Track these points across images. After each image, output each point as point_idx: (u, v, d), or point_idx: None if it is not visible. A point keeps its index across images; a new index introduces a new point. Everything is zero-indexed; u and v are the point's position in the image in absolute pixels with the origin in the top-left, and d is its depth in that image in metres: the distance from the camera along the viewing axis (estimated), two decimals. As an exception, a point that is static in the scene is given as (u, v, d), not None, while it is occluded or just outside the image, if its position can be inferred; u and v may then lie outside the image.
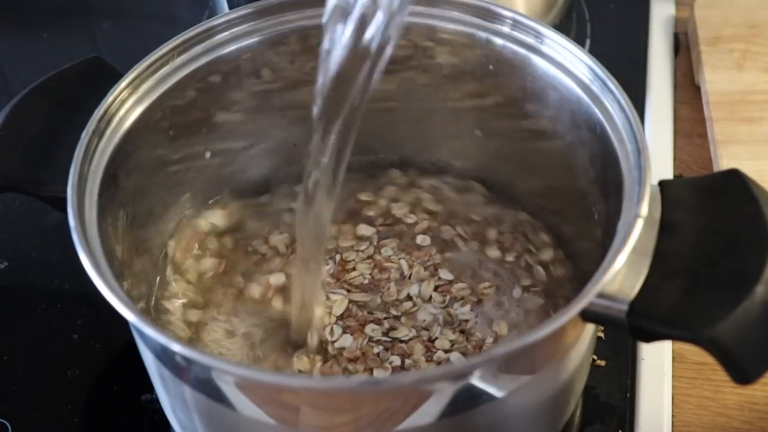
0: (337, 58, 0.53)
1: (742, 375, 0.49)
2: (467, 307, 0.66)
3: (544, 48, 0.65)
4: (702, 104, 0.85)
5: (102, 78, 0.66)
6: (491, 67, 0.68)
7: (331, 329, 0.65)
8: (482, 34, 0.67)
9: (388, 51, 0.52)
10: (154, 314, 0.67)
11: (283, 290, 0.68)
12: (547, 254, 0.69)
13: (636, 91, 0.87)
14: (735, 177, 0.56)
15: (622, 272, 0.52)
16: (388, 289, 0.67)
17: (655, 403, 0.66)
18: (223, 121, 0.70)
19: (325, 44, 0.54)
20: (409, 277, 0.68)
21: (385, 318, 0.66)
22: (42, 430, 0.68)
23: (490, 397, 0.53)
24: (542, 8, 0.90)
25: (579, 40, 0.92)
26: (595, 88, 0.62)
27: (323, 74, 0.54)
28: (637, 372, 0.68)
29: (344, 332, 0.65)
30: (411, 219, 0.72)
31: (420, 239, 0.71)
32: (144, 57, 0.64)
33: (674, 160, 0.83)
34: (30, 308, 0.75)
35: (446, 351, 0.64)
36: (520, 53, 0.66)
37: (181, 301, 0.68)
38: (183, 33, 0.66)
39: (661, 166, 0.81)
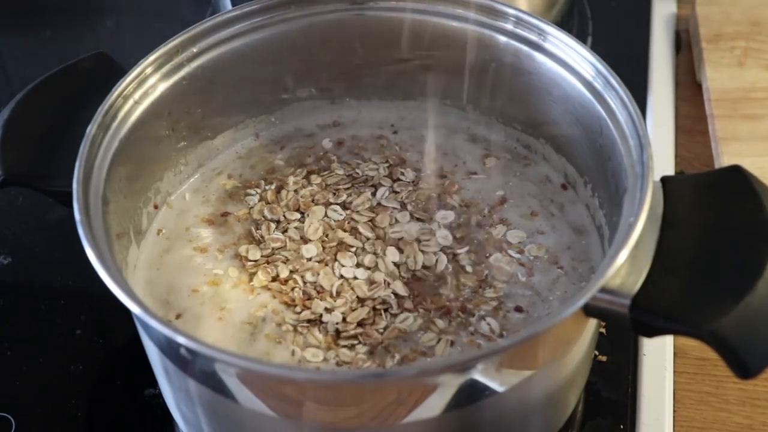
0: None
1: (744, 369, 0.50)
2: None
3: (547, 45, 0.65)
4: (703, 101, 0.86)
5: (107, 74, 0.66)
6: (494, 64, 0.68)
7: None
8: (486, 32, 0.67)
9: None
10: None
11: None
12: None
13: (637, 89, 0.87)
14: (736, 173, 0.57)
15: (625, 267, 0.53)
16: None
17: (657, 398, 0.67)
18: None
19: None
20: None
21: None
22: (45, 425, 0.68)
23: (493, 392, 0.53)
24: (544, 6, 0.91)
25: (580, 38, 0.91)
26: (598, 85, 0.62)
27: None
28: (639, 368, 0.68)
29: None
30: None
31: None
32: (147, 54, 0.65)
33: (675, 157, 0.83)
34: (33, 304, 0.76)
35: None
36: (522, 50, 0.66)
37: None
38: (187, 29, 0.67)
39: (663, 162, 0.82)
